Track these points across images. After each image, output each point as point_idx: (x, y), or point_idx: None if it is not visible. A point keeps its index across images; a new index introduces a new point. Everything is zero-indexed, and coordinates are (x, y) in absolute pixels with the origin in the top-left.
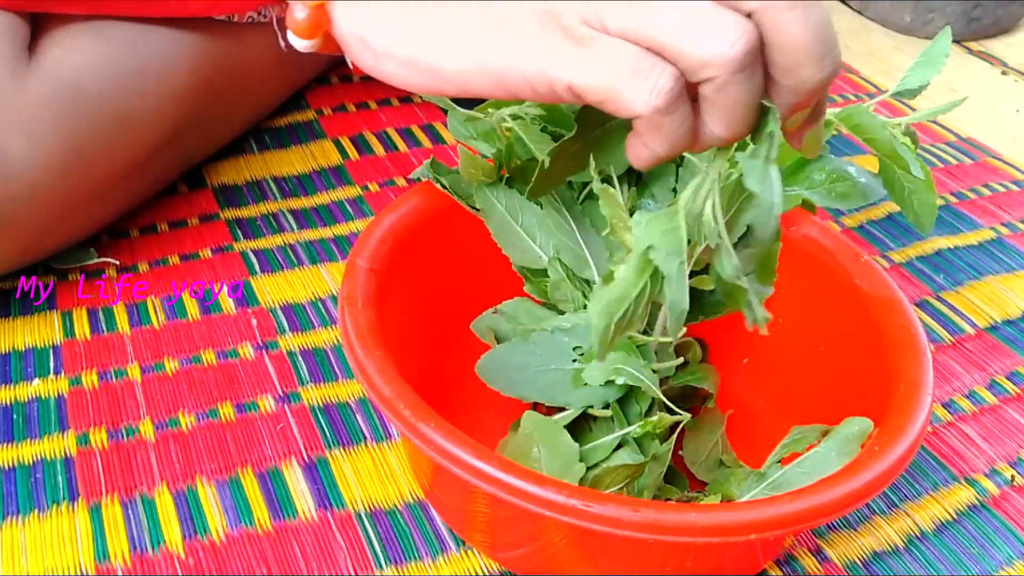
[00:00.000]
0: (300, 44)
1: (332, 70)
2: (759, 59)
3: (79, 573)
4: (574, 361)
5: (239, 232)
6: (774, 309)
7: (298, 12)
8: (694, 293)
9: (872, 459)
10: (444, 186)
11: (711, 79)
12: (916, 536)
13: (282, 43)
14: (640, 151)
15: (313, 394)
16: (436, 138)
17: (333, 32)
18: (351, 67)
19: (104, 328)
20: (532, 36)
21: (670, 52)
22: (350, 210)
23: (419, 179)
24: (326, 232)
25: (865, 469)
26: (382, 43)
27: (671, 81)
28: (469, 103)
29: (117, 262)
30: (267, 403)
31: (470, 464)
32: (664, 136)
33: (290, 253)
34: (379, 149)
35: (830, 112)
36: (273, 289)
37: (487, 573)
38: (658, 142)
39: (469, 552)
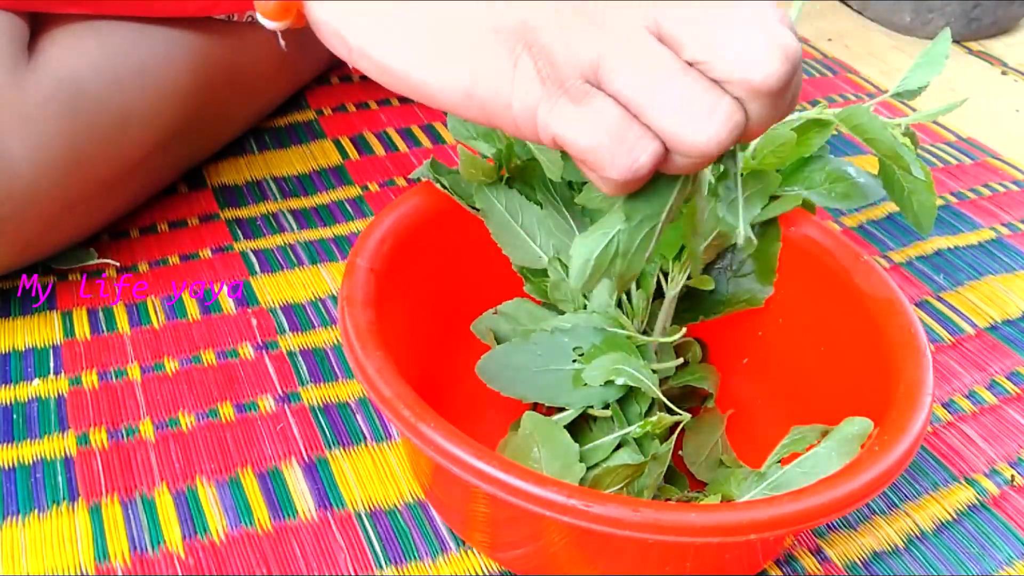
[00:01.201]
0: (269, 24)
1: (332, 70)
2: None
3: (79, 573)
4: (574, 361)
5: (239, 232)
6: (774, 309)
7: None
8: (694, 293)
9: (872, 459)
10: (444, 186)
11: (688, 160)
12: (916, 536)
13: (282, 43)
14: (596, 183)
15: (313, 394)
16: (436, 138)
17: (307, 17)
18: (351, 67)
19: (104, 328)
20: (525, 78)
21: (662, 134)
22: (350, 210)
23: (419, 179)
24: (326, 232)
25: (865, 469)
26: (357, 42)
27: (651, 160)
28: None
29: (117, 263)
30: (267, 403)
31: (470, 464)
32: (619, 191)
33: (290, 253)
34: (379, 149)
35: (831, 112)
36: (273, 289)
37: (487, 573)
38: (610, 191)
39: (469, 552)
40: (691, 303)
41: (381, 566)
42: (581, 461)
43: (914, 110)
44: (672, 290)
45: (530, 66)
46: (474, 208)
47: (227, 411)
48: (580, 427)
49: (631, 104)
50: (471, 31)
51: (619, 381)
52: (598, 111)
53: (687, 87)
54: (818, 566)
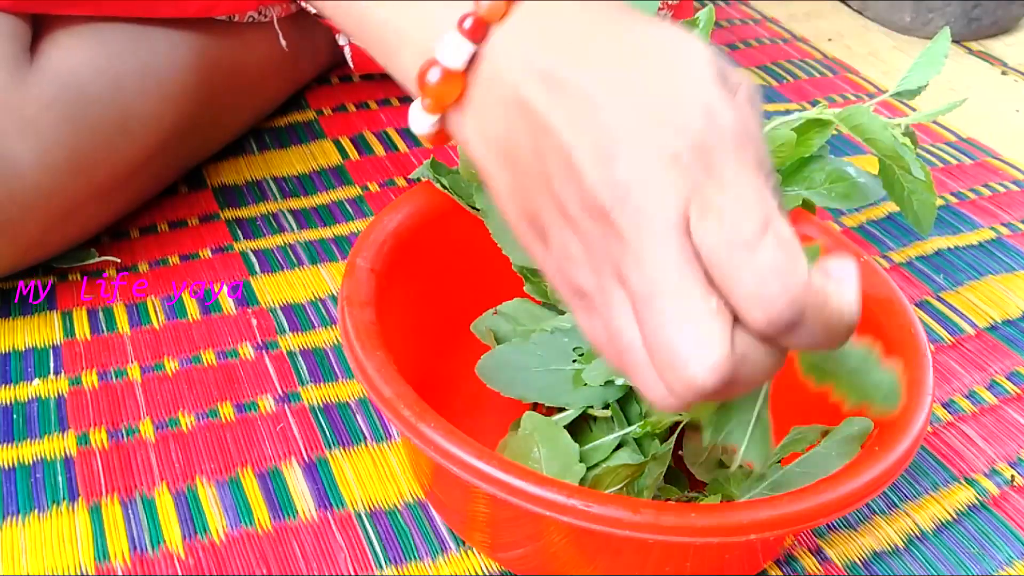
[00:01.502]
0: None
1: (332, 70)
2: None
3: (79, 573)
4: (574, 361)
5: (239, 232)
6: None
7: (420, 125)
8: None
9: (872, 459)
10: (444, 186)
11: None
12: (916, 536)
13: (283, 43)
14: None
15: (313, 394)
16: None
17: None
18: (351, 67)
19: (104, 328)
20: (550, 266)
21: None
22: (350, 210)
23: (419, 179)
24: (326, 232)
25: (865, 469)
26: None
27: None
28: None
29: (118, 260)
30: (267, 403)
31: (470, 464)
32: None
33: (290, 253)
34: (379, 149)
35: (831, 112)
36: (273, 289)
37: (487, 573)
38: None
39: (469, 552)
40: None
41: (381, 566)
42: (581, 461)
43: (914, 110)
44: None
45: (554, 266)
46: (474, 208)
47: (227, 411)
48: (580, 427)
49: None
50: (513, 195)
51: (619, 381)
52: (607, 330)
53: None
54: (818, 566)
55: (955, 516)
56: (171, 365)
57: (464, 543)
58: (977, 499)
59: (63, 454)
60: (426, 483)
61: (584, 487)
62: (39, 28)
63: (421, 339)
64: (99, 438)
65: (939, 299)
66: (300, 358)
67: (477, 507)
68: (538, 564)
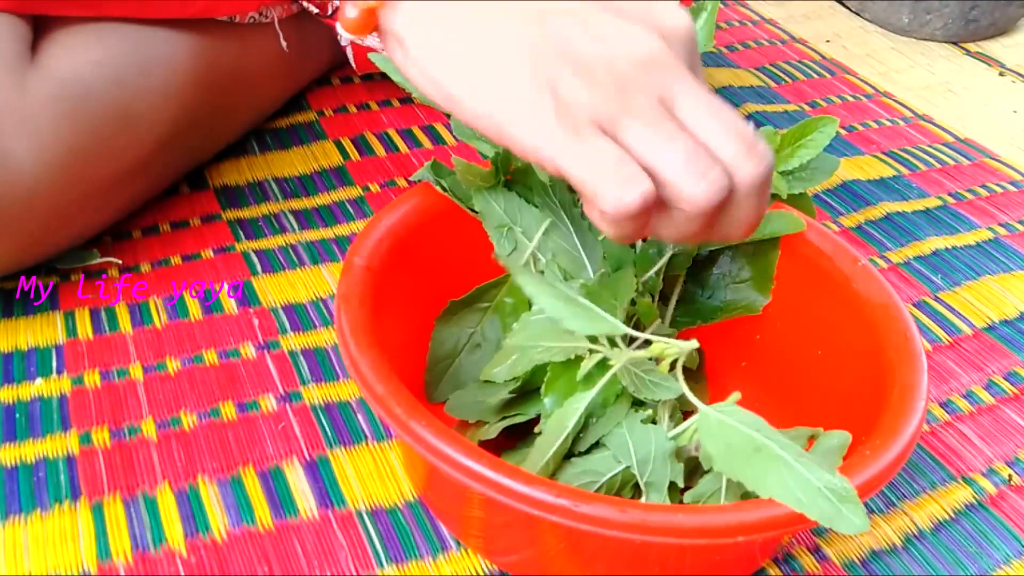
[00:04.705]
0: (346, 35)
1: (333, 71)
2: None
3: (81, 572)
4: None
5: (241, 232)
6: (772, 313)
7: (349, 11)
8: (691, 298)
9: (863, 463)
10: (444, 188)
11: (683, 211)
12: (914, 535)
13: (283, 44)
14: (595, 221)
15: (314, 393)
16: (437, 139)
17: (380, 25)
18: (353, 67)
19: (106, 328)
20: (541, 115)
21: (664, 184)
22: (351, 211)
23: (421, 180)
24: (327, 232)
25: (855, 474)
26: (416, 52)
27: (640, 196)
28: None
29: (120, 261)
30: (268, 402)
31: (459, 462)
32: (615, 229)
33: (291, 253)
34: (380, 150)
35: None
36: (274, 289)
37: (487, 572)
38: (608, 229)
39: (469, 551)
40: (688, 308)
41: (382, 564)
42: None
43: (911, 110)
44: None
45: (550, 107)
46: (473, 210)
47: (229, 410)
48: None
49: (641, 154)
50: (508, 55)
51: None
52: (600, 148)
53: (692, 150)
54: (816, 565)
55: (953, 515)
56: (173, 365)
57: None
58: (975, 498)
59: (65, 453)
60: (422, 487)
61: (573, 487)
62: (40, 28)
63: (417, 339)
64: (101, 437)
65: (937, 299)
66: (301, 357)
67: (471, 510)
68: (535, 566)
